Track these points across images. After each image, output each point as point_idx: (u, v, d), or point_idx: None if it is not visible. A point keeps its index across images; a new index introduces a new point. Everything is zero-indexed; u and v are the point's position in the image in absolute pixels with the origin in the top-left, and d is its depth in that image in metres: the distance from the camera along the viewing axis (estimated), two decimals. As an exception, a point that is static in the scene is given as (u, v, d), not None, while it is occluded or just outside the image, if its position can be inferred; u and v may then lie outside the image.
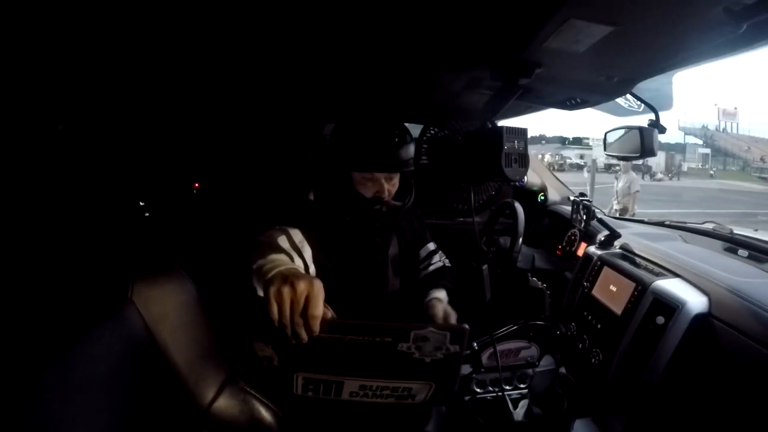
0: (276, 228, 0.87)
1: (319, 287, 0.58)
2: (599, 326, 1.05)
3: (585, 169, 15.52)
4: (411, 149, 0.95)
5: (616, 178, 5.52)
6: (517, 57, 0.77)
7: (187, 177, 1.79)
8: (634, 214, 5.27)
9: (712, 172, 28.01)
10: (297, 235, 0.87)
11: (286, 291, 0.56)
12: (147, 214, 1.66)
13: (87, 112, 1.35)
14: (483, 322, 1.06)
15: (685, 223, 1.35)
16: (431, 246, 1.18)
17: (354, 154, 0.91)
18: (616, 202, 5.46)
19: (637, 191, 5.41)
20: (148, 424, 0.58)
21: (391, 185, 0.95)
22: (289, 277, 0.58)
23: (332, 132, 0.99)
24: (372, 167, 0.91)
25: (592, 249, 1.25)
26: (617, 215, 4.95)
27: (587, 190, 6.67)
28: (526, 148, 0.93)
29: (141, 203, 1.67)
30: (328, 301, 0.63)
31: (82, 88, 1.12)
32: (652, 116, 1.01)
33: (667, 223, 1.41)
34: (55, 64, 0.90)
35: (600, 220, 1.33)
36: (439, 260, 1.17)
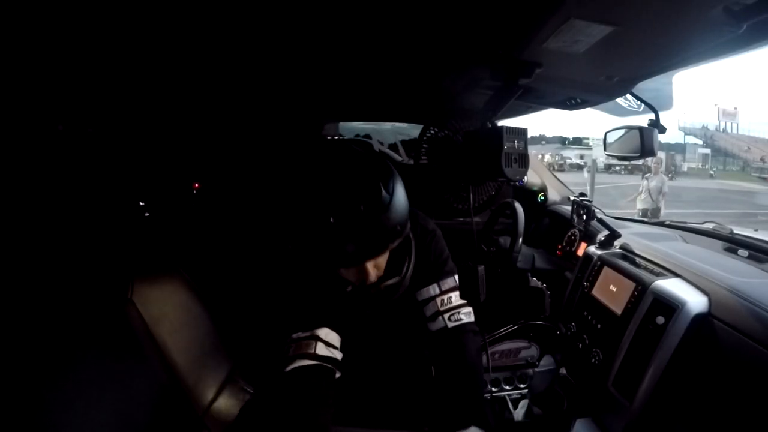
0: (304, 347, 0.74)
1: None
2: (599, 326, 1.05)
3: (585, 169, 15.55)
4: (397, 206, 0.67)
5: (646, 178, 5.72)
6: (517, 57, 0.77)
7: (187, 177, 1.79)
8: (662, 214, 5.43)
9: (712, 172, 27.98)
10: (326, 336, 0.76)
11: None
12: (147, 215, 1.66)
13: (87, 112, 1.35)
14: (479, 322, 1.05)
15: (685, 223, 1.35)
16: (432, 290, 0.86)
17: (319, 251, 0.68)
18: (642, 200, 5.66)
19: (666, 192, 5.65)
20: (148, 423, 0.58)
21: (379, 262, 0.73)
22: None
23: (284, 215, 0.75)
24: (346, 261, 0.69)
25: (592, 249, 1.25)
26: (646, 215, 5.15)
27: (587, 190, 6.70)
28: (526, 148, 0.93)
29: (141, 203, 1.67)
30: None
31: (82, 89, 1.12)
32: (652, 116, 1.01)
33: (667, 223, 1.41)
34: (55, 65, 0.90)
35: (600, 220, 1.33)
36: (436, 310, 0.85)
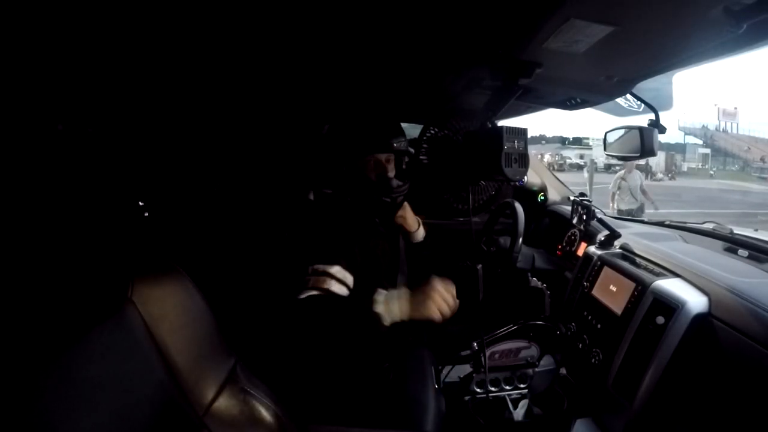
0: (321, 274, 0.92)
1: None
2: (599, 326, 1.05)
3: (585, 169, 15.54)
4: (401, 137, 1.06)
5: (623, 179, 5.28)
6: (517, 57, 0.77)
7: (187, 176, 1.79)
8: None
9: (712, 172, 28.00)
10: (338, 273, 0.94)
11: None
12: (146, 214, 1.66)
13: (87, 112, 1.35)
14: (477, 321, 1.06)
15: (685, 223, 1.35)
16: None
17: (355, 142, 1.01)
18: (625, 201, 5.25)
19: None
20: (147, 424, 0.58)
21: (390, 168, 1.04)
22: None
23: (330, 130, 1.08)
24: (372, 149, 1.01)
25: (592, 249, 1.25)
26: (633, 214, 4.86)
27: (587, 189, 6.63)
28: (526, 148, 0.92)
29: (141, 203, 1.67)
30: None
31: (82, 88, 1.12)
32: (652, 116, 1.01)
33: (667, 223, 1.41)
34: (55, 64, 0.90)
35: (600, 220, 1.33)
36: None
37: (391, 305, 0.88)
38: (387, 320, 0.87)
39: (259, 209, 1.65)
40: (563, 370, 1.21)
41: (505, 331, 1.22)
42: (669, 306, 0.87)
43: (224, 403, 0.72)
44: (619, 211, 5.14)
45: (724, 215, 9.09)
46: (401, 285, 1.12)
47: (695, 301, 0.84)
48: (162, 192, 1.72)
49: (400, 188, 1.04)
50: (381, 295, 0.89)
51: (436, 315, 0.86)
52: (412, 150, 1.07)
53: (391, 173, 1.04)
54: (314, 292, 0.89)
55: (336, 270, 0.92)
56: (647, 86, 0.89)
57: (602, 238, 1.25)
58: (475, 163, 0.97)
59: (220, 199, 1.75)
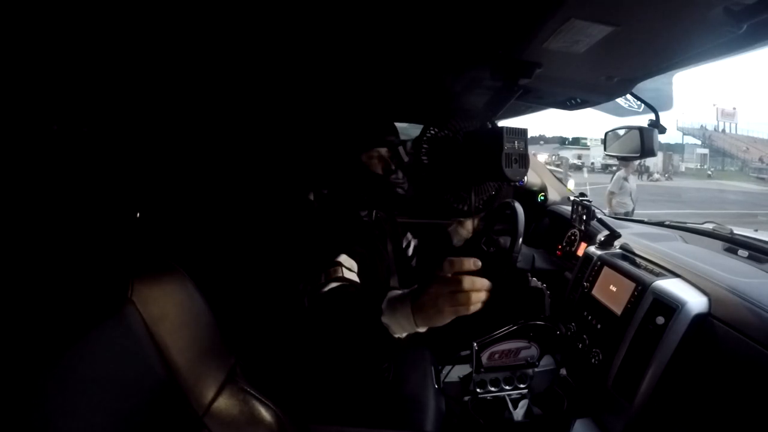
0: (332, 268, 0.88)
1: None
2: (599, 326, 1.05)
3: (584, 170, 15.73)
4: (394, 133, 1.05)
5: (625, 179, 5.09)
6: (517, 57, 0.77)
7: (185, 176, 1.78)
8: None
9: (710, 173, 28.09)
10: (346, 261, 0.91)
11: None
12: (138, 215, 1.65)
13: (82, 112, 1.35)
14: (473, 321, 1.06)
15: (685, 223, 1.35)
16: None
17: (357, 138, 1.01)
18: (623, 204, 5.06)
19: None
20: (147, 424, 0.58)
21: (392, 162, 1.03)
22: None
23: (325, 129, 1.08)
24: (375, 144, 1.01)
25: (592, 249, 1.25)
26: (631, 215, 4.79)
27: (587, 189, 6.57)
28: (526, 149, 0.93)
29: (137, 204, 1.66)
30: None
31: (78, 87, 1.12)
32: (652, 116, 1.01)
33: (667, 223, 1.41)
34: (50, 63, 0.90)
35: (600, 220, 1.33)
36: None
37: (398, 317, 0.66)
38: (398, 332, 0.67)
39: (259, 209, 1.65)
40: (563, 371, 1.21)
41: (505, 331, 1.22)
42: (669, 306, 0.87)
43: (224, 403, 0.72)
44: (616, 214, 5.01)
45: (723, 215, 9.11)
46: (393, 287, 1.12)
47: (695, 302, 0.85)
48: (160, 191, 1.71)
49: (404, 181, 1.05)
50: (386, 303, 0.68)
51: (456, 314, 0.63)
52: (401, 147, 1.07)
53: (394, 167, 1.04)
54: (335, 284, 0.81)
55: (343, 258, 0.90)
56: (647, 86, 0.89)
57: (602, 238, 1.25)
58: (475, 163, 0.98)
59: (219, 199, 1.75)
